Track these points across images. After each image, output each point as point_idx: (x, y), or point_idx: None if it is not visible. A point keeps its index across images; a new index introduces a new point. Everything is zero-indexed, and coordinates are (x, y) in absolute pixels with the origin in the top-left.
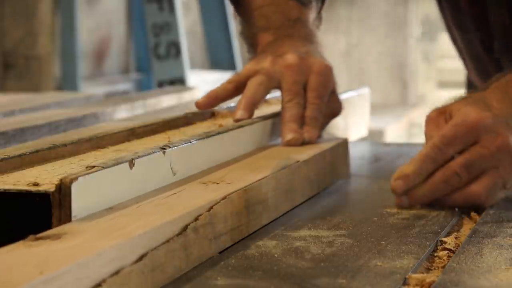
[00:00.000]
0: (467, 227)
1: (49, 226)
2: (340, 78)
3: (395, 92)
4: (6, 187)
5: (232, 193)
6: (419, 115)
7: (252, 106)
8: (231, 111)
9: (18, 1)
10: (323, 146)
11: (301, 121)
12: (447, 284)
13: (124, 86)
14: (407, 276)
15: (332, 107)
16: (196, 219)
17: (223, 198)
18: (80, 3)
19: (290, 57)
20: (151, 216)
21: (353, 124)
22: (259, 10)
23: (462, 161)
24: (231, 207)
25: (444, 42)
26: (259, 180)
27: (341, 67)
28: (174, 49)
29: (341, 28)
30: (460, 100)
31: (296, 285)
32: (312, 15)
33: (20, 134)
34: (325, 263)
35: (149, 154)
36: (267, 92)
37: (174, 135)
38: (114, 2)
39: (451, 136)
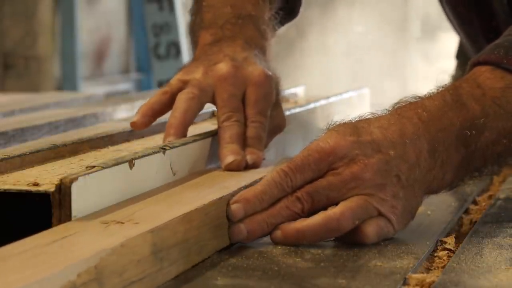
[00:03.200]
0: (467, 227)
1: (49, 226)
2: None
3: (395, 92)
4: (6, 187)
5: (135, 236)
6: None
7: (184, 127)
8: None
9: (18, 1)
10: (268, 170)
11: (242, 141)
12: (447, 284)
13: (124, 86)
14: (407, 276)
15: (275, 123)
16: (79, 276)
17: (122, 245)
18: (80, 3)
19: (223, 67)
20: (14, 274)
21: None
22: (208, 0)
23: (308, 188)
24: (131, 255)
25: (444, 42)
26: (179, 216)
27: (341, 67)
28: (174, 49)
29: (341, 28)
30: (334, 126)
31: (296, 285)
32: (269, 12)
33: (20, 134)
34: (325, 263)
35: (149, 154)
36: (200, 108)
37: None
38: (114, 2)
39: (301, 162)
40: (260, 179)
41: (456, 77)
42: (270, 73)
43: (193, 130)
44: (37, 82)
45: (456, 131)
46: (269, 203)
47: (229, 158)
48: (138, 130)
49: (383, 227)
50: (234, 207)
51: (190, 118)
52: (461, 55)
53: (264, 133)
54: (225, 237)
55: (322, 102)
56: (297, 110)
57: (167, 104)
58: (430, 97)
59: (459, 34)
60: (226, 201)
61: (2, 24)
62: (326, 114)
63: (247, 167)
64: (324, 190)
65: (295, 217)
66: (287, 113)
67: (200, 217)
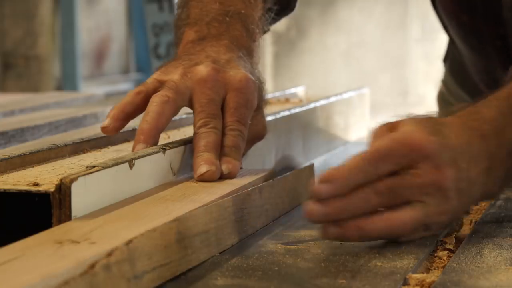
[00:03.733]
0: (467, 227)
1: (49, 226)
2: (340, 78)
3: (395, 92)
4: (6, 187)
5: (90, 261)
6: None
7: (156, 133)
8: None
9: (18, 2)
10: (244, 180)
11: (218, 150)
12: (447, 284)
13: (124, 86)
14: (407, 276)
15: (255, 130)
16: None
17: (83, 273)
18: (80, 3)
19: (203, 70)
20: None
21: (353, 124)
22: None
23: (389, 183)
24: (83, 285)
25: (444, 42)
26: (136, 237)
27: (341, 67)
28: (174, 49)
29: (341, 28)
30: (413, 118)
31: (296, 285)
32: (262, 9)
33: (20, 134)
34: (325, 263)
35: (149, 154)
36: (175, 113)
37: (174, 135)
38: (114, 2)
39: (385, 151)
40: (236, 191)
41: (446, 82)
42: (252, 78)
43: (193, 130)
44: (37, 82)
45: (509, 146)
46: (351, 189)
47: (202, 168)
48: (109, 135)
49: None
50: (321, 187)
51: (163, 124)
52: (450, 59)
53: (243, 142)
54: (190, 260)
55: (322, 102)
56: (297, 110)
57: (141, 106)
58: (485, 105)
59: (457, 43)
60: (195, 216)
61: (2, 24)
62: (326, 114)
63: (222, 177)
64: (404, 189)
65: (368, 210)
66: (286, 113)
67: (165, 233)
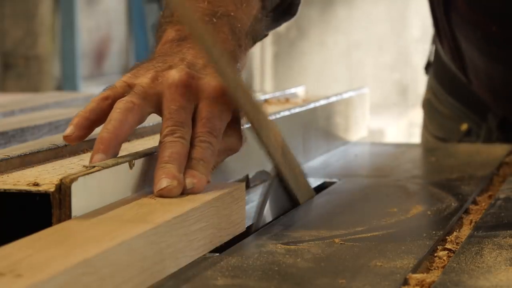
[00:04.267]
0: (467, 227)
1: (49, 226)
2: (340, 78)
3: (395, 92)
4: (6, 187)
5: None
6: (419, 115)
7: (116, 144)
8: None
9: (18, 2)
10: (208, 196)
11: (184, 162)
12: (447, 284)
13: None
14: (407, 276)
15: (229, 142)
16: None
17: None
18: (80, 3)
19: (175, 74)
20: None
21: (353, 124)
22: None
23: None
24: None
25: None
26: (70, 268)
27: (341, 67)
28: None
29: (341, 28)
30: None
31: (296, 285)
32: (257, 13)
33: (20, 134)
34: (325, 263)
35: (149, 154)
36: (140, 121)
37: None
38: (114, 2)
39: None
40: (195, 209)
41: (432, 88)
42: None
43: None
44: (37, 82)
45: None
46: None
47: (162, 182)
48: (72, 144)
49: None
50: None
51: (125, 133)
52: (436, 66)
53: (212, 156)
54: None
55: (322, 102)
56: (297, 110)
57: (107, 112)
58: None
59: (467, 51)
60: (143, 241)
61: (2, 24)
62: (326, 114)
63: (184, 192)
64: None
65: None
66: (286, 113)
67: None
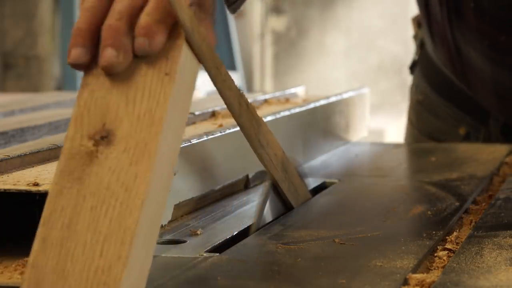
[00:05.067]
0: (467, 227)
1: None
2: (340, 78)
3: (395, 92)
4: (6, 187)
5: None
6: None
7: (93, 30)
8: None
9: (18, 2)
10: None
11: (134, 23)
12: (447, 284)
13: None
14: (407, 276)
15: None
16: None
17: None
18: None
19: None
20: None
21: (353, 124)
22: None
23: None
24: None
25: None
26: None
27: (341, 67)
28: None
29: (341, 28)
30: None
31: (296, 285)
32: None
33: (20, 134)
34: (325, 263)
35: None
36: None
37: None
38: None
39: None
40: None
41: (420, 88)
42: None
43: (193, 130)
44: (37, 82)
45: None
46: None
47: (107, 53)
48: (81, 64)
49: None
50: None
51: (100, 18)
52: (425, 67)
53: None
54: None
55: (322, 102)
56: (297, 110)
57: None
58: None
59: (473, 57)
60: None
61: (2, 24)
62: (326, 114)
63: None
64: None
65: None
66: (286, 113)
67: None
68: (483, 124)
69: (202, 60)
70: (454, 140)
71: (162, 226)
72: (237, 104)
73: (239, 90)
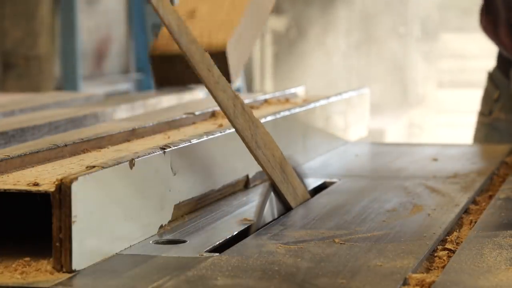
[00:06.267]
0: (467, 227)
1: (49, 226)
2: (340, 78)
3: (395, 92)
4: (6, 187)
5: None
6: (419, 115)
7: None
8: None
9: (18, 2)
10: None
11: None
12: (447, 284)
13: (124, 86)
14: (407, 276)
15: None
16: None
17: None
18: (80, 3)
19: None
20: None
21: (353, 124)
22: None
23: None
24: None
25: (444, 42)
26: None
27: (341, 67)
28: None
29: (341, 28)
30: None
31: (296, 285)
32: None
33: (20, 134)
34: (325, 263)
35: (149, 154)
36: None
37: (174, 135)
38: (114, 2)
39: None
40: None
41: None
42: None
43: (193, 130)
44: (37, 82)
45: None
46: None
47: None
48: None
49: None
50: None
51: None
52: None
53: None
54: None
55: (322, 102)
56: (297, 110)
57: None
58: None
59: None
60: None
61: (2, 24)
62: (326, 114)
63: None
64: None
65: None
66: (286, 113)
67: None
68: None
69: (192, 62)
70: None
71: (162, 226)
72: (231, 106)
73: (234, 92)
